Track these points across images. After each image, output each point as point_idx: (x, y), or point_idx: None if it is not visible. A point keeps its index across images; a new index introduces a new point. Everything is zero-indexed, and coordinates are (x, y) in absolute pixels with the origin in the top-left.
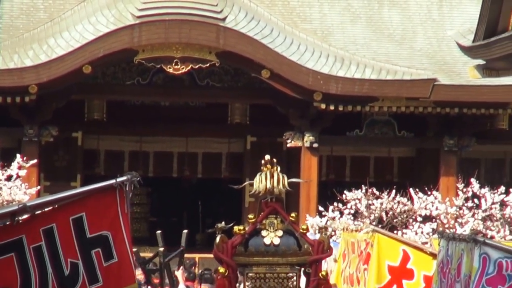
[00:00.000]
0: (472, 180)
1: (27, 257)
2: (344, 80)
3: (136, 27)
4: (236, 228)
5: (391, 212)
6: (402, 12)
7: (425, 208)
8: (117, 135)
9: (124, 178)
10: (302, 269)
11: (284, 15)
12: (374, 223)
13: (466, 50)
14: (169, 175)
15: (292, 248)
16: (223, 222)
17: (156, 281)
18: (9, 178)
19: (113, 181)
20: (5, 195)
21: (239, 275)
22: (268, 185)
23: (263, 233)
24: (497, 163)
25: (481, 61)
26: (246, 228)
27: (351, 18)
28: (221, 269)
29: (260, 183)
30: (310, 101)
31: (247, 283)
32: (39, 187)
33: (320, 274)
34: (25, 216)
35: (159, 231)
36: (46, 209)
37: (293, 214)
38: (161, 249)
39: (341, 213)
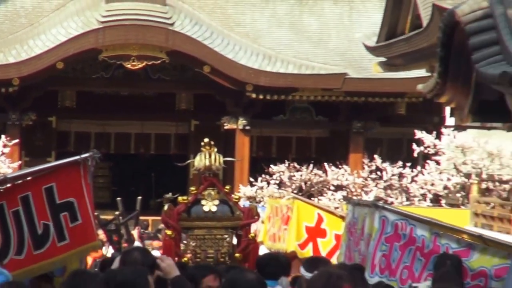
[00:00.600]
0: (376, 156)
1: (7, 219)
2: (271, 74)
3: (100, 31)
4: (180, 198)
5: (309, 182)
6: (319, 19)
7: (337, 179)
8: (85, 119)
9: (87, 154)
10: (235, 231)
11: (222, 20)
12: (294, 192)
13: (371, 49)
14: (127, 152)
15: (226, 215)
16: (170, 193)
17: (116, 239)
18: None
19: (77, 157)
20: None
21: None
22: (207, 163)
23: (203, 202)
24: (396, 142)
25: (383, 59)
26: (189, 198)
27: (277, 23)
28: (168, 232)
29: (200, 161)
30: (243, 91)
31: (189, 243)
32: (20, 162)
33: (249, 236)
34: (7, 185)
35: (119, 198)
36: (23, 180)
37: (227, 187)
38: (117, 212)
39: (268, 183)
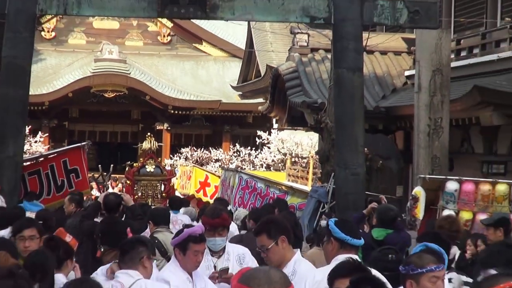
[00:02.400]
0: (237, 144)
1: (42, 177)
2: (181, 100)
3: (91, 77)
4: (135, 164)
5: (201, 158)
6: (207, 71)
7: (216, 156)
8: (83, 123)
9: (84, 143)
10: (163, 182)
11: (155, 71)
12: (193, 162)
13: (234, 88)
14: (105, 141)
15: (158, 173)
16: (129, 162)
17: (101, 187)
18: (35, 142)
19: (79, 144)
20: (33, 149)
21: (136, 185)
22: (149, 146)
23: (146, 166)
24: (247, 137)
25: (240, 93)
26: (139, 164)
27: (185, 73)
28: (128, 182)
29: (145, 145)
30: (166, 109)
31: (139, 188)
32: (48, 146)
33: (170, 185)
34: (41, 159)
35: (100, 165)
36: (50, 156)
37: (159, 159)
38: (104, 173)
39: (180, 158)
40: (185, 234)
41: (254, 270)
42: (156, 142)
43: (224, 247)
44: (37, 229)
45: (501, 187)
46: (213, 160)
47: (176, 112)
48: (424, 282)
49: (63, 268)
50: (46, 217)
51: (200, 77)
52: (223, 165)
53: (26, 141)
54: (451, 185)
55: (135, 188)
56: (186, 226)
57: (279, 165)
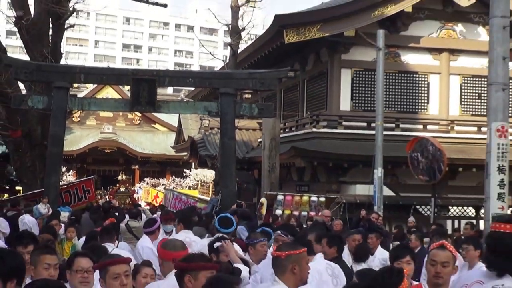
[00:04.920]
0: (173, 176)
1: (71, 194)
2: (145, 153)
3: (98, 141)
4: (115, 187)
5: (155, 183)
6: (158, 139)
7: (162, 182)
8: (94, 165)
9: (92, 176)
10: (129, 196)
11: (132, 139)
12: (151, 186)
13: (172, 147)
14: (106, 175)
15: (127, 192)
16: (113, 186)
17: (103, 198)
18: (68, 175)
19: (90, 177)
20: (67, 179)
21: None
22: (122, 178)
23: (121, 188)
24: (179, 172)
25: (175, 150)
26: (117, 187)
27: (146, 140)
28: (111, 196)
29: (120, 177)
30: (137, 158)
31: (117, 199)
32: (75, 178)
33: (133, 198)
34: (70, 184)
35: (102, 187)
36: (74, 183)
37: (130, 186)
38: (105, 191)
39: (144, 183)
40: (159, 222)
41: (167, 240)
42: (126, 176)
43: (172, 230)
44: (59, 220)
45: (305, 198)
46: (161, 185)
47: (142, 159)
48: (258, 247)
49: (113, 240)
50: (75, 214)
51: (154, 142)
52: (165, 187)
53: (62, 175)
54: (280, 197)
55: (115, 199)
56: (153, 219)
57: (195, 186)
